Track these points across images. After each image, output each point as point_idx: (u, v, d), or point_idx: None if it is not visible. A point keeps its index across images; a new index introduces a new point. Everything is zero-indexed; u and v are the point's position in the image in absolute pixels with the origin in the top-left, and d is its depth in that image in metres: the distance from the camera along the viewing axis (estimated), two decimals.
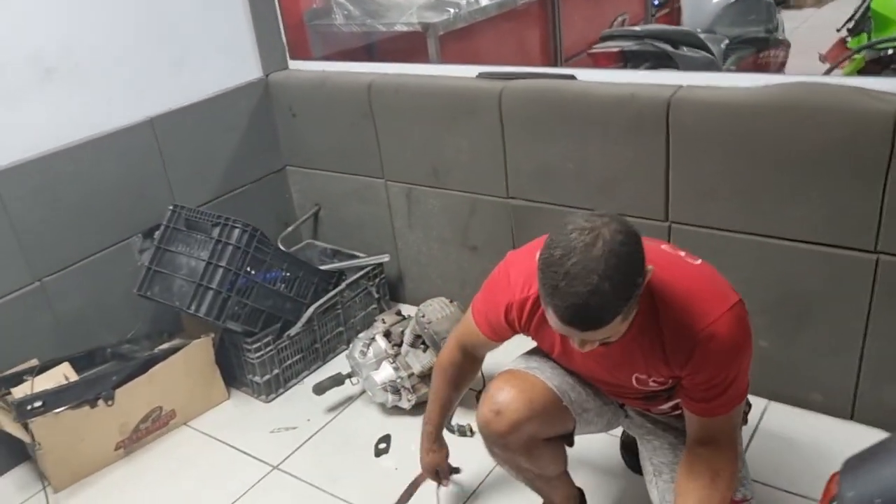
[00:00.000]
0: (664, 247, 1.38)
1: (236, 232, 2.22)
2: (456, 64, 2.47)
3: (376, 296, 2.64)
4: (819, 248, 1.86)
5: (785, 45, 3.04)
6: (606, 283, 1.08)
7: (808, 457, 1.91)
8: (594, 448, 1.97)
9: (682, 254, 1.36)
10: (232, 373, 2.43)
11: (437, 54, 2.73)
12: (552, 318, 1.16)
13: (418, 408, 2.23)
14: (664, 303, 1.24)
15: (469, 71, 2.37)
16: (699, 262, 1.34)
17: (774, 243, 1.91)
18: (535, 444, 1.50)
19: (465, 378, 1.65)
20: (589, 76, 2.17)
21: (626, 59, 2.62)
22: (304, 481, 2.05)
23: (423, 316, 2.07)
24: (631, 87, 2.03)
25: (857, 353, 1.92)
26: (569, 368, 1.51)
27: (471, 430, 2.13)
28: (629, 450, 1.93)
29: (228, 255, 2.20)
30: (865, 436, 1.95)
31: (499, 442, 1.45)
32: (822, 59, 2.87)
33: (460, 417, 2.18)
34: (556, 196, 2.26)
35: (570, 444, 1.58)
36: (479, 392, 2.22)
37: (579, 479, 1.79)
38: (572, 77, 2.19)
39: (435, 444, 1.76)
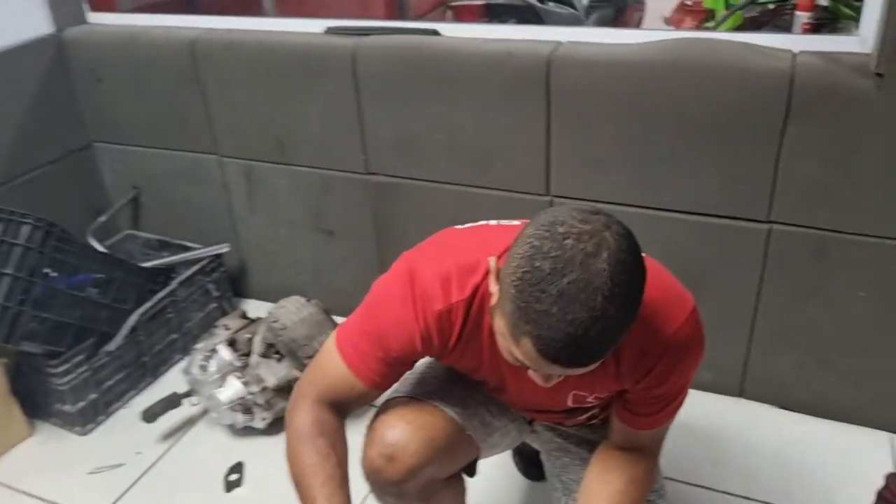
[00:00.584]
0: None
1: (25, 229, 1.75)
2: (296, 17, 2.10)
3: (216, 294, 2.25)
4: (712, 219, 1.72)
5: (641, 4, 2.94)
6: (612, 306, 0.81)
7: (704, 441, 1.80)
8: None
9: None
10: (35, 402, 1.95)
11: (273, 6, 2.34)
12: (525, 352, 0.86)
13: (274, 426, 1.89)
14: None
15: (315, 25, 2.02)
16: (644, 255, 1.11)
17: (666, 216, 1.76)
18: (434, 488, 1.22)
19: (342, 437, 1.15)
20: (454, 31, 1.90)
21: (490, 14, 2.38)
22: None
23: (276, 321, 1.73)
24: (505, 44, 1.78)
25: (747, 327, 1.82)
26: (483, 390, 1.24)
27: None
28: (523, 456, 1.72)
29: (17, 259, 1.73)
30: (757, 413, 1.88)
31: (391, 491, 1.15)
32: (667, 22, 2.79)
33: None
34: (424, 170, 1.98)
35: (472, 474, 1.33)
36: None
37: (472, 493, 1.55)
38: (435, 32, 1.90)
39: None
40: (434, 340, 1.05)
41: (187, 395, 1.89)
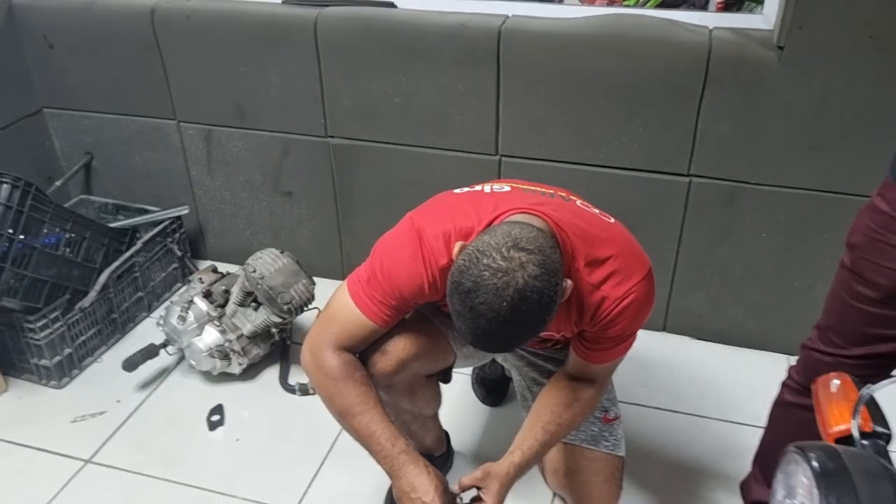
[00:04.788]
0: (579, 203, 1.34)
1: (4, 188, 1.81)
2: None
3: (179, 253, 2.34)
4: (641, 174, 1.97)
5: None
6: (514, 326, 1.04)
7: (636, 368, 2.06)
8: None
9: (597, 212, 1.33)
10: (7, 359, 2.02)
11: None
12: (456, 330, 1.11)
13: (249, 371, 2.04)
14: (588, 272, 1.20)
15: None
16: (612, 220, 1.32)
17: (601, 171, 1.99)
18: (418, 383, 1.43)
19: (367, 372, 1.32)
20: (409, 3, 2.06)
21: None
22: (129, 471, 1.78)
23: (255, 271, 1.86)
24: (459, 17, 1.96)
25: (670, 269, 2.09)
26: None
27: (312, 389, 1.99)
28: (484, 385, 1.94)
29: None
30: (677, 343, 2.17)
31: (383, 383, 1.33)
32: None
33: (300, 377, 2.03)
34: (382, 133, 2.14)
35: (447, 380, 1.53)
36: None
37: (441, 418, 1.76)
38: (392, 4, 2.06)
39: (424, 470, 1.25)
40: (438, 288, 1.24)
41: (164, 345, 2.01)
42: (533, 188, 1.34)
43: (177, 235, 2.37)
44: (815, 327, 1.30)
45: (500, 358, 1.61)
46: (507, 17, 1.94)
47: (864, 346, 1.20)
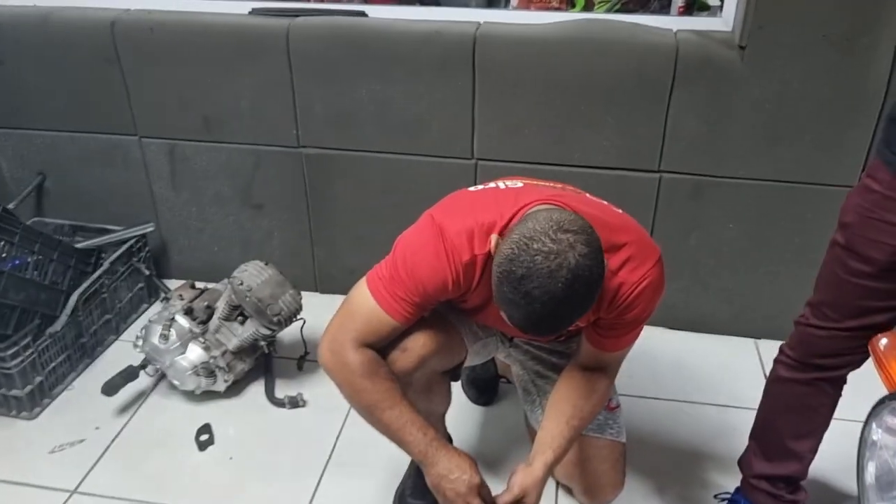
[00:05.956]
0: (588, 195, 1.38)
1: None
2: None
3: (146, 272, 2.27)
4: (613, 171, 2.04)
5: None
6: (567, 306, 1.08)
7: None
8: None
9: (606, 203, 1.38)
10: None
11: None
12: (505, 318, 1.13)
13: (233, 388, 1.99)
14: (606, 258, 1.21)
15: (240, 7, 2.12)
16: (620, 211, 1.37)
17: (575, 171, 2.05)
18: (434, 380, 1.45)
19: (388, 367, 1.33)
20: (380, 13, 2.08)
21: None
22: (120, 498, 1.70)
23: (242, 283, 1.83)
24: (434, 24, 1.99)
25: None
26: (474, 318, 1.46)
27: (303, 400, 1.96)
28: (475, 385, 1.96)
29: None
30: (652, 334, 2.23)
31: (402, 381, 1.33)
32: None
33: (287, 389, 2.00)
34: (356, 141, 2.15)
35: (456, 378, 1.55)
36: (302, 357, 2.07)
37: None
38: (363, 14, 2.08)
39: (456, 453, 1.30)
40: (461, 284, 1.26)
41: (143, 366, 1.94)
42: (544, 184, 1.38)
43: (142, 254, 2.30)
44: (808, 304, 1.38)
45: (502, 354, 1.64)
46: (480, 23, 1.99)
47: (858, 318, 1.28)
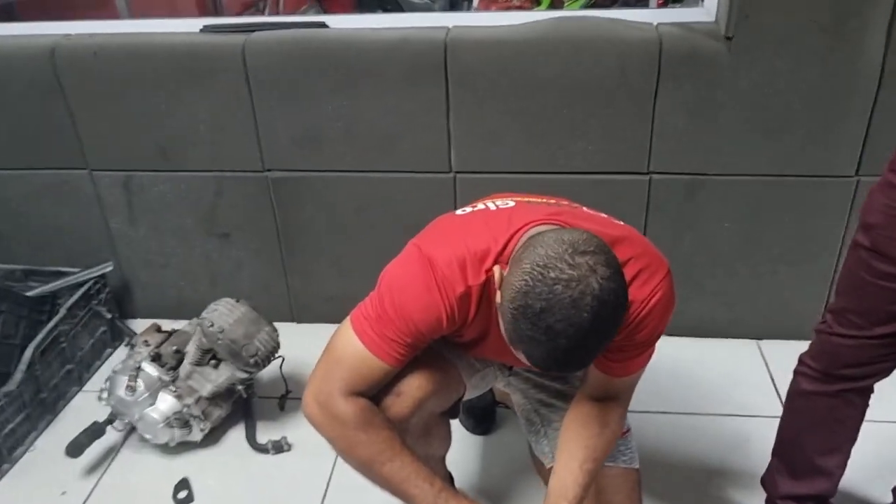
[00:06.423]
0: (585, 209, 1.27)
1: None
2: (167, 18, 2.03)
3: (108, 316, 2.11)
4: (600, 176, 1.94)
5: None
6: (595, 337, 0.97)
7: None
8: None
9: (605, 216, 1.27)
10: None
11: (127, 6, 2.23)
12: (522, 357, 1.01)
13: (211, 436, 1.85)
14: None
15: (189, 25, 1.97)
16: (621, 223, 1.26)
17: (560, 178, 1.95)
18: (433, 422, 1.32)
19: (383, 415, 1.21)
20: (342, 23, 1.95)
21: (359, 5, 2.44)
22: None
23: (213, 325, 1.68)
24: (400, 32, 1.87)
25: None
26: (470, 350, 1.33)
27: (287, 444, 1.82)
28: (473, 414, 1.84)
29: None
30: None
31: (399, 427, 1.21)
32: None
33: (269, 432, 1.86)
34: (325, 161, 2.01)
35: (456, 415, 1.43)
36: (284, 396, 1.93)
37: None
38: (323, 25, 1.94)
39: (461, 493, 1.23)
40: (456, 319, 1.14)
41: (110, 421, 1.78)
42: (537, 200, 1.26)
43: (102, 296, 2.13)
44: (829, 311, 1.29)
45: (502, 384, 1.51)
46: (449, 28, 1.87)
47: (888, 324, 1.19)
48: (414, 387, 1.21)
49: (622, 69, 1.80)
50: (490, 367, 1.43)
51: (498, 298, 1.04)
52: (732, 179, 1.90)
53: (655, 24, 1.83)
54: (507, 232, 1.11)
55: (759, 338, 2.12)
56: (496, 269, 1.04)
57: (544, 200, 1.27)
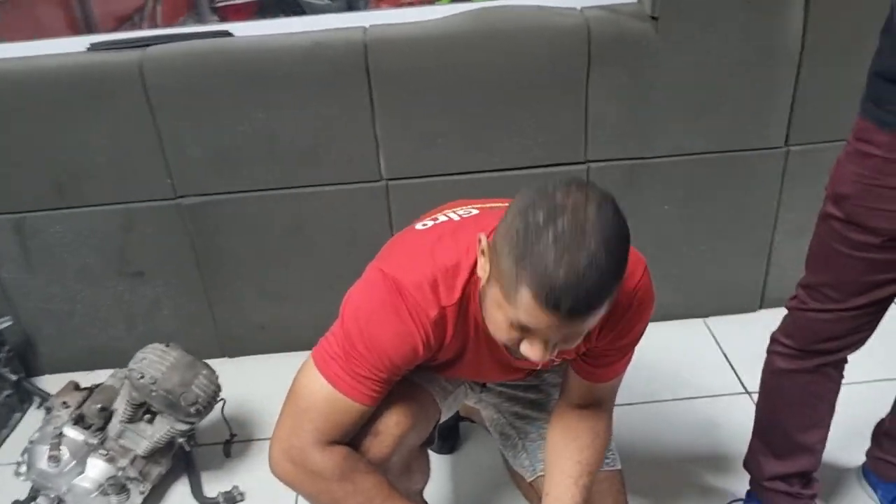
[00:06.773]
0: None
1: None
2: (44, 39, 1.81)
3: (13, 377, 1.87)
4: (538, 170, 1.88)
5: None
6: (604, 250, 0.83)
7: None
8: None
9: None
10: None
11: None
12: (525, 306, 0.85)
13: (154, 496, 1.66)
14: None
15: (74, 44, 1.77)
16: None
17: (497, 176, 1.87)
18: (413, 457, 1.22)
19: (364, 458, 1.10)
20: (247, 30, 1.80)
21: (261, 11, 2.27)
22: None
23: (142, 377, 1.50)
24: (311, 36, 1.74)
25: None
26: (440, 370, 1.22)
27: (240, 493, 1.66)
28: (438, 434, 1.73)
29: None
30: None
31: (380, 468, 1.10)
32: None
33: (218, 483, 1.69)
34: (245, 181, 1.85)
35: (432, 443, 1.32)
36: (229, 441, 1.77)
37: None
38: (227, 33, 1.78)
39: None
40: (432, 345, 1.03)
41: (32, 498, 1.57)
42: (499, 204, 1.17)
43: (2, 355, 1.89)
44: (801, 286, 1.26)
45: (472, 401, 1.42)
46: (366, 27, 1.75)
47: (864, 294, 1.17)
48: (392, 424, 1.10)
49: (551, 58, 1.74)
50: (461, 386, 1.33)
51: (484, 272, 0.93)
52: (670, 161, 1.88)
53: (580, 8, 1.78)
54: (477, 234, 1.01)
55: (706, 315, 2.13)
56: (481, 235, 0.93)
57: (507, 204, 1.18)
